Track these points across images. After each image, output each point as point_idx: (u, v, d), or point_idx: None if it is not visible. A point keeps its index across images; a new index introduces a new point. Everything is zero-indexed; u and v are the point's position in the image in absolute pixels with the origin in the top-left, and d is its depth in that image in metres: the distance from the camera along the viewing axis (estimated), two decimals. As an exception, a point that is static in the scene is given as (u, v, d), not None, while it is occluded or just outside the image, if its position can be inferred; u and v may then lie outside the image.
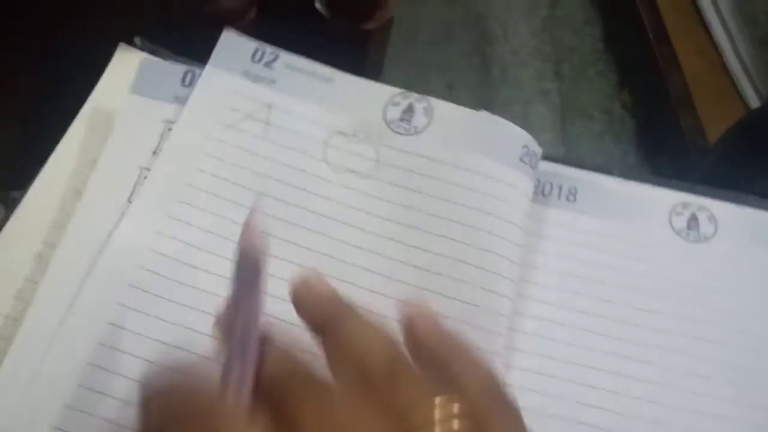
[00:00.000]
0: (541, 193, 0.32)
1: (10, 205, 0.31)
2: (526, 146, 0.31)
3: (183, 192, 0.31)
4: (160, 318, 0.29)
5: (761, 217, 0.32)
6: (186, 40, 0.36)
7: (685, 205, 0.32)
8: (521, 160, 0.31)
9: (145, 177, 0.31)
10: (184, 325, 0.29)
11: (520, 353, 0.29)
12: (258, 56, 0.33)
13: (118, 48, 0.34)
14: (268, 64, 0.33)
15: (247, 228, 0.23)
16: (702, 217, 0.32)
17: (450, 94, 1.14)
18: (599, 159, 1.06)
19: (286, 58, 0.33)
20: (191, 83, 0.31)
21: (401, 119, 0.31)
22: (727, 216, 0.32)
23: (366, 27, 0.67)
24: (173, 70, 0.31)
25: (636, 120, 1.12)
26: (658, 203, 0.33)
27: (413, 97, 0.32)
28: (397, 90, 0.32)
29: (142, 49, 0.34)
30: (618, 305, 0.30)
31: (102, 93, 0.34)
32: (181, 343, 0.29)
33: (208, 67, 0.32)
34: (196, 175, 0.31)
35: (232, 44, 0.33)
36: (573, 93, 1.14)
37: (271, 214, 0.31)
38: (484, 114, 0.31)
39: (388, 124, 0.32)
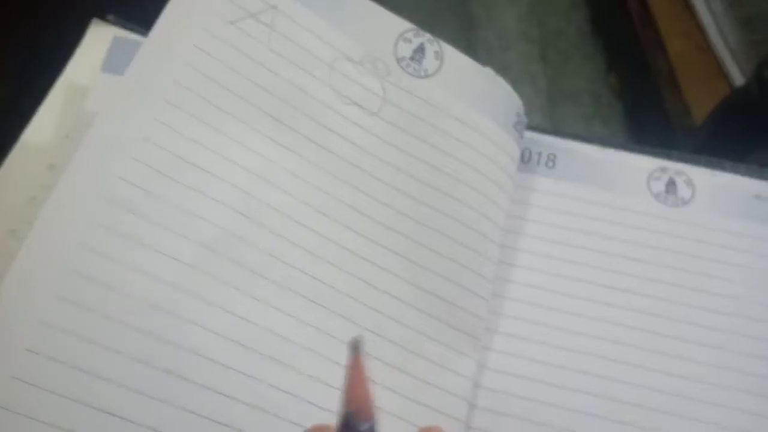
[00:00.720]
0: (521, 159, 0.32)
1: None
2: (518, 114, 0.31)
3: (170, 90, 0.26)
4: (138, 240, 0.25)
5: (737, 182, 0.33)
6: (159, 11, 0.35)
7: (663, 170, 0.33)
8: (514, 127, 0.31)
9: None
10: (161, 251, 0.25)
11: (503, 317, 0.29)
12: None
13: (92, 24, 0.34)
14: None
15: (350, 385, 0.18)
16: (680, 181, 0.32)
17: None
18: (579, 130, 1.06)
19: None
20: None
21: (411, 58, 0.29)
22: (705, 180, 0.32)
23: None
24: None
25: (623, 102, 1.13)
26: (637, 168, 0.33)
27: (425, 37, 0.29)
28: (409, 25, 0.29)
29: (114, 25, 0.34)
30: (596, 269, 0.31)
31: (75, 69, 0.33)
32: (155, 267, 0.25)
33: None
34: (186, 72, 0.26)
35: None
36: (560, 76, 1.15)
37: (262, 131, 0.27)
38: (489, 71, 0.31)
39: (398, 60, 0.29)
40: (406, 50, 0.29)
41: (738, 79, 0.93)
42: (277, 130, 0.27)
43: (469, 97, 0.30)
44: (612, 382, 0.29)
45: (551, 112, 1.04)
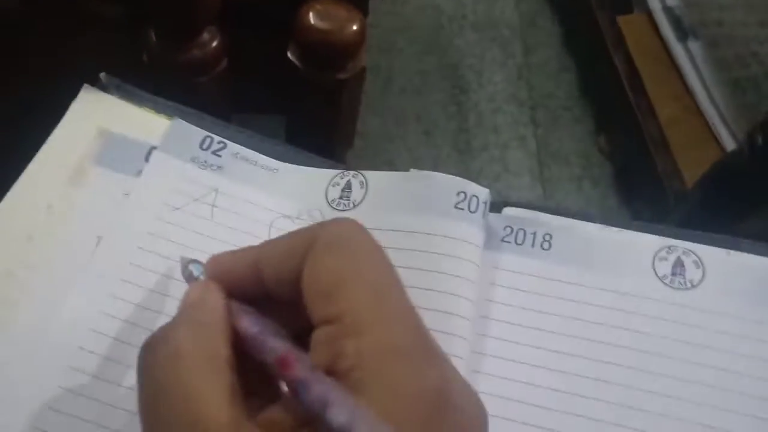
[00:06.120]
0: (515, 241, 0.31)
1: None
2: (462, 192, 0.30)
3: (127, 270, 0.30)
4: (100, 400, 0.27)
5: (752, 262, 0.30)
6: (157, 88, 0.35)
7: (670, 249, 0.31)
8: (456, 206, 0.30)
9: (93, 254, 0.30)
10: (124, 408, 0.26)
11: (494, 418, 0.27)
12: (206, 144, 0.33)
13: (82, 89, 0.33)
14: (215, 152, 0.33)
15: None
16: (688, 261, 0.30)
17: (427, 140, 1.14)
18: (578, 206, 1.05)
19: (234, 147, 0.33)
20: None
21: (341, 197, 0.32)
22: (715, 260, 0.30)
23: (339, 77, 0.66)
24: (137, 146, 0.32)
25: (613, 164, 1.12)
26: (641, 248, 0.31)
27: (350, 174, 0.32)
28: (336, 171, 0.33)
29: (107, 84, 0.34)
30: (596, 362, 0.28)
31: (61, 136, 0.32)
32: (122, 426, 0.26)
33: (156, 152, 0.33)
34: (142, 255, 0.31)
35: (182, 132, 0.33)
36: (549, 138, 1.14)
37: None
38: (414, 173, 0.31)
39: (329, 203, 0.32)
40: (335, 192, 0.32)
41: (728, 141, 0.92)
42: None
43: (397, 206, 0.31)
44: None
45: (541, 173, 1.04)
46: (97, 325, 0.28)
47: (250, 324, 0.21)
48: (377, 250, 0.21)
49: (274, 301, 0.22)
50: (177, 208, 0.31)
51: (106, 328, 0.28)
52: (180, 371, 0.20)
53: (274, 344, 0.20)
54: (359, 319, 0.19)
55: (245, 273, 0.23)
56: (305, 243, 0.21)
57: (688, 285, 0.30)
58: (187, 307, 0.23)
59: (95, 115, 0.33)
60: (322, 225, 0.22)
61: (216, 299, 0.22)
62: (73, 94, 0.34)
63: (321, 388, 0.18)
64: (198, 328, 0.21)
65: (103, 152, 0.32)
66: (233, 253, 0.24)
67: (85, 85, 0.34)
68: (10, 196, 0.31)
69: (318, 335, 0.20)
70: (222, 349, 0.21)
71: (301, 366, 0.19)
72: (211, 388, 0.19)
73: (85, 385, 0.27)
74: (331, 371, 0.19)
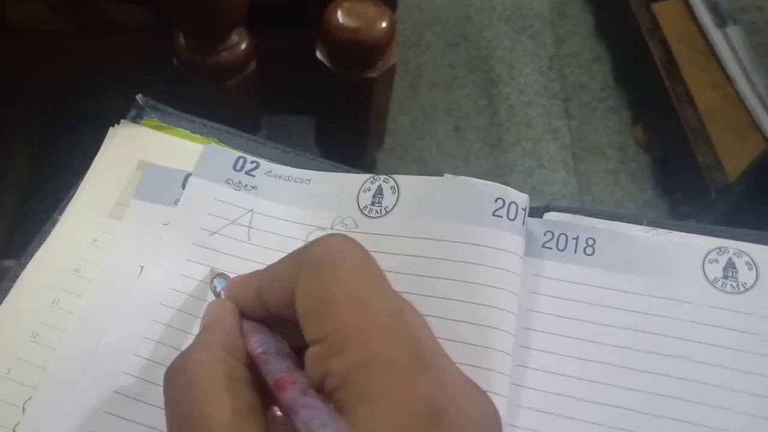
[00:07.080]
0: (556, 247, 0.29)
1: (3, 275, 0.30)
2: (500, 198, 0.29)
3: (168, 297, 0.30)
4: (144, 424, 0.26)
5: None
6: (188, 92, 0.35)
7: (720, 251, 0.29)
8: (494, 214, 0.29)
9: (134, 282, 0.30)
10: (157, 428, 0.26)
11: None
12: (239, 165, 0.33)
13: (120, 123, 0.34)
14: (249, 172, 0.33)
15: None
16: (740, 263, 0.29)
17: (458, 136, 1.13)
18: (615, 199, 1.03)
19: (267, 165, 0.33)
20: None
21: (372, 203, 0.31)
22: (769, 261, 0.29)
23: (368, 75, 0.66)
24: (174, 175, 0.32)
25: (651, 156, 1.10)
26: (690, 250, 0.29)
27: (381, 179, 0.32)
28: (367, 176, 0.32)
29: (144, 105, 0.34)
30: (645, 374, 0.27)
31: (101, 171, 0.33)
32: None
33: (191, 178, 0.33)
34: (182, 282, 0.30)
35: (215, 155, 0.33)
36: (584, 130, 1.12)
37: None
38: (448, 178, 0.30)
39: (361, 210, 0.31)
40: (367, 198, 0.32)
41: (771, 130, 0.89)
42: None
43: (430, 213, 0.30)
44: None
45: (576, 166, 1.01)
46: (139, 349, 0.28)
47: (256, 344, 0.22)
48: (364, 264, 0.21)
49: (282, 321, 0.22)
50: (214, 232, 0.31)
51: (147, 353, 0.28)
52: (195, 399, 0.20)
53: (274, 366, 0.21)
54: (343, 337, 0.19)
55: (252, 297, 0.23)
56: (296, 265, 0.21)
57: (741, 288, 0.28)
58: (203, 329, 0.23)
59: (133, 149, 0.33)
60: (310, 246, 0.22)
61: (230, 319, 0.23)
62: (106, 107, 0.34)
63: (307, 413, 0.18)
64: (213, 350, 0.22)
65: (141, 185, 0.32)
66: (244, 276, 0.25)
67: (122, 120, 0.34)
68: (55, 233, 0.31)
69: (308, 355, 0.20)
70: (237, 369, 0.21)
71: (292, 389, 0.19)
72: (226, 412, 0.19)
73: (128, 409, 0.27)
74: (320, 390, 0.19)
